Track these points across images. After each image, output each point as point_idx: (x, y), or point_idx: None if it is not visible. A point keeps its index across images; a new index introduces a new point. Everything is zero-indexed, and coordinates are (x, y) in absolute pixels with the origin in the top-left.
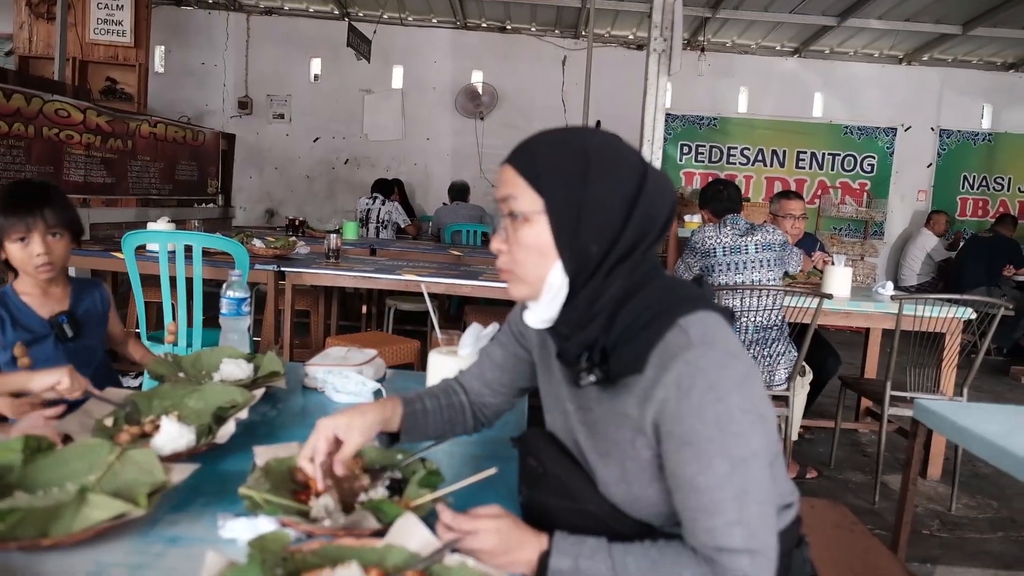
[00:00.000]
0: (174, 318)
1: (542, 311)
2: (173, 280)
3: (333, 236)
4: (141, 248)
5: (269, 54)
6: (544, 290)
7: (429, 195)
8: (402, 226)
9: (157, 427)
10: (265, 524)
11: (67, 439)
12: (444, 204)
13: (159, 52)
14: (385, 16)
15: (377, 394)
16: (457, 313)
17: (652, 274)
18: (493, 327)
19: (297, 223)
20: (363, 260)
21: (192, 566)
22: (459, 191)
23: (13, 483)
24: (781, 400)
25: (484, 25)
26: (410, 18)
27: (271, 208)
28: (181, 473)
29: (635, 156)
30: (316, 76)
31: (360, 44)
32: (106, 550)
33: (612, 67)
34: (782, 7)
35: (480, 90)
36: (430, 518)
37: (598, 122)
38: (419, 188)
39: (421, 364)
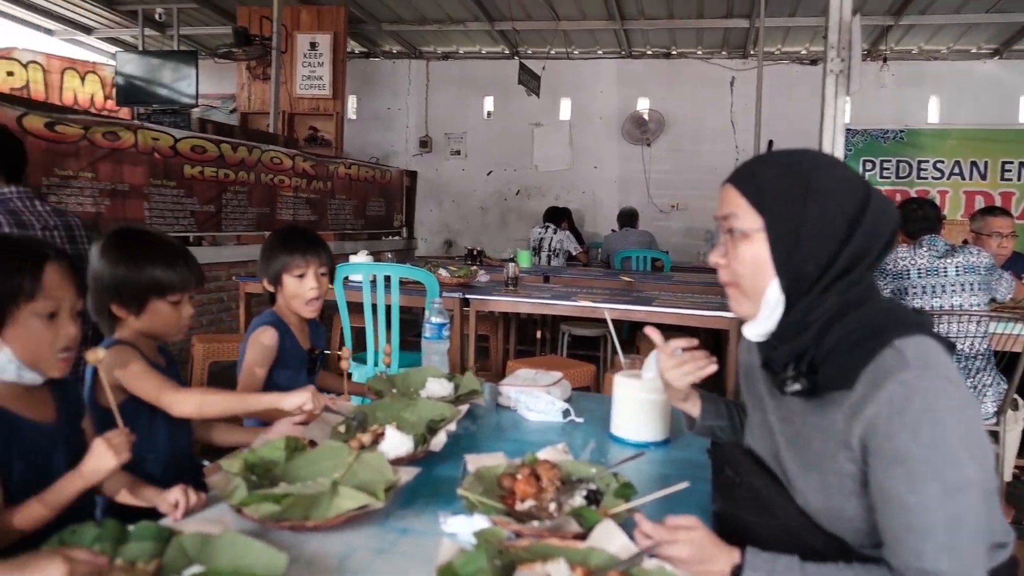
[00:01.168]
0: (376, 341)
1: (760, 326)
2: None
3: (511, 265)
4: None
5: (446, 96)
6: (762, 305)
7: (598, 222)
8: (573, 253)
9: (381, 435)
10: (480, 522)
11: (312, 443)
12: (613, 231)
13: (352, 101)
14: (552, 52)
15: (565, 413)
16: (629, 338)
17: (869, 294)
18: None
19: (475, 252)
20: (539, 287)
21: (422, 552)
22: (628, 217)
23: (278, 475)
24: (990, 436)
25: (649, 52)
26: (576, 52)
27: (449, 239)
28: (407, 475)
29: (857, 179)
30: (489, 113)
31: (530, 80)
32: (353, 535)
33: (784, 84)
34: (978, 7)
35: (646, 117)
36: (626, 525)
37: (770, 142)
38: (588, 215)
39: (597, 387)
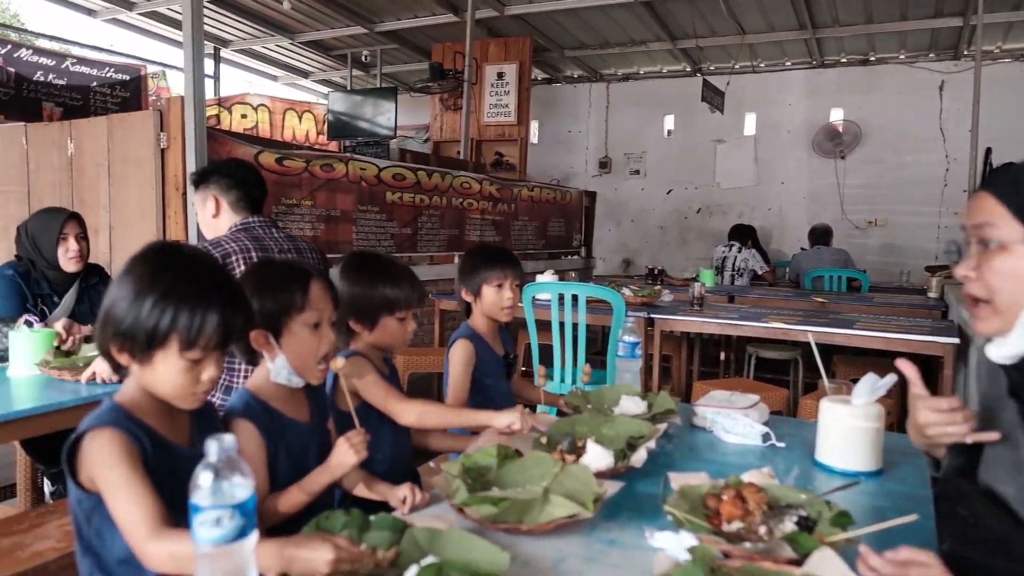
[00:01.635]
0: (563, 359)
1: (1012, 346)
2: (544, 322)
3: (697, 284)
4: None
5: (626, 116)
6: (1018, 324)
7: (784, 240)
8: (759, 272)
9: (582, 448)
10: (688, 539)
11: (518, 452)
12: (803, 249)
13: (534, 126)
14: (737, 66)
15: (765, 437)
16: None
17: None
18: (890, 378)
19: (656, 272)
20: (724, 307)
21: (630, 563)
22: (821, 235)
23: (491, 480)
24: None
25: (844, 60)
26: (762, 64)
27: (627, 258)
28: (612, 488)
29: None
30: (669, 132)
31: (714, 97)
32: (563, 542)
33: (1004, 85)
34: None
35: (840, 128)
36: (843, 555)
37: (988, 149)
38: (774, 233)
39: (790, 412)
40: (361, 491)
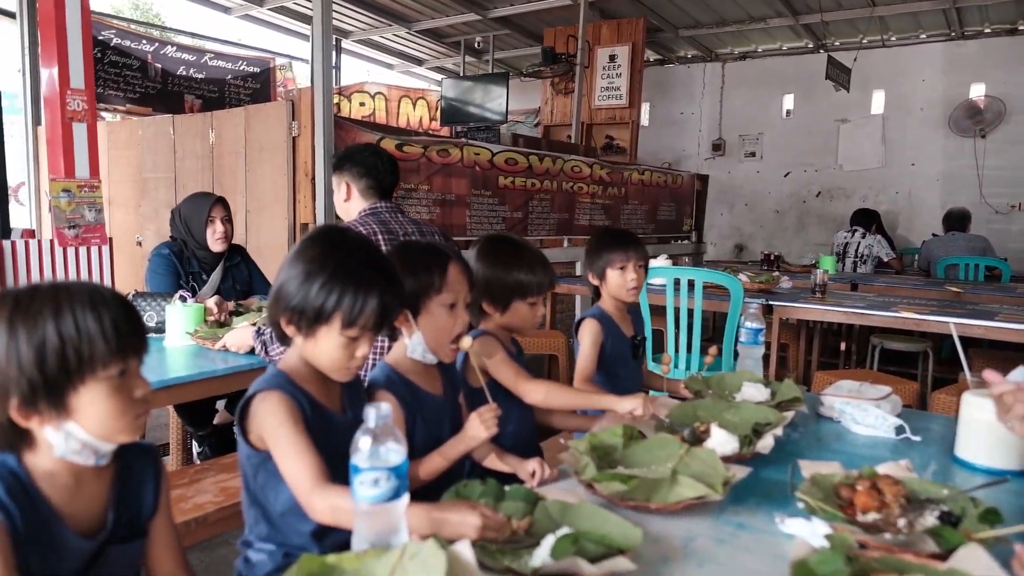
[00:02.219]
0: (677, 344)
1: None
2: (656, 308)
3: (819, 271)
4: None
5: (742, 96)
6: None
7: (913, 225)
8: (884, 260)
9: (705, 432)
10: (821, 527)
11: (641, 434)
12: (934, 235)
13: (646, 108)
14: (865, 41)
15: (899, 430)
16: (952, 356)
17: None
18: None
19: (772, 257)
20: (847, 295)
21: (760, 546)
22: (957, 220)
23: (617, 459)
24: None
25: (987, 30)
26: (894, 38)
27: (740, 243)
28: (741, 472)
29: None
30: (788, 112)
31: (839, 74)
32: (693, 523)
33: None
34: None
35: (982, 105)
36: (992, 553)
37: None
38: (901, 217)
39: (919, 406)
40: (491, 463)
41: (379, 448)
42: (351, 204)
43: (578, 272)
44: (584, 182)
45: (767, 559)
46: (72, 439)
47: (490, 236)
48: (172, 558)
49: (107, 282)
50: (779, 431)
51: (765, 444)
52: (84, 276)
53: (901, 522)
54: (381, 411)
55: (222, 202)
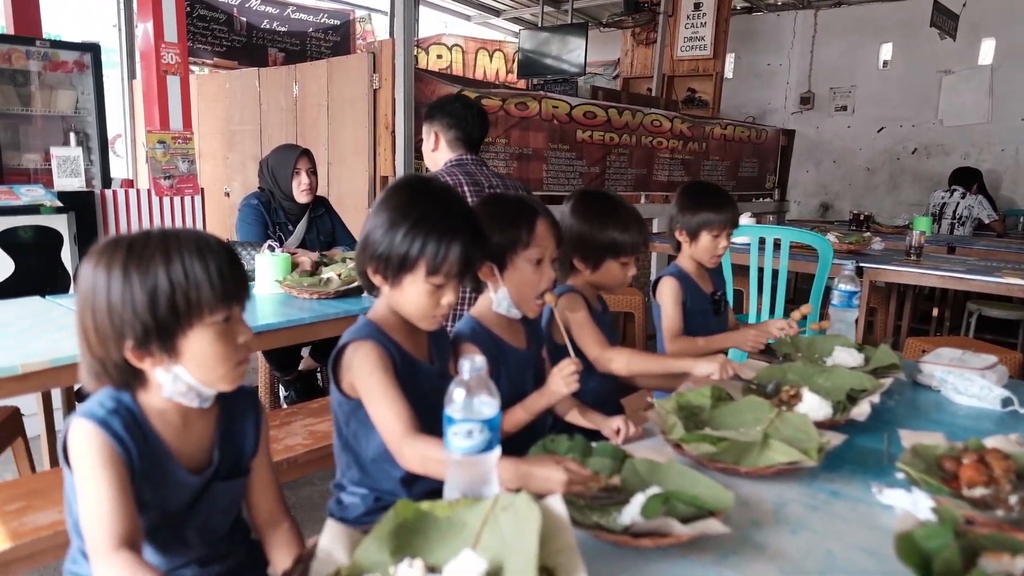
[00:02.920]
0: (759, 305)
1: None
2: (738, 267)
3: (915, 232)
4: None
5: (834, 47)
6: None
7: (1019, 186)
8: (985, 221)
9: (794, 396)
10: (923, 499)
11: (729, 396)
12: None
13: (730, 59)
14: None
15: (1006, 402)
16: None
17: None
18: None
19: (862, 217)
20: (946, 258)
21: (856, 517)
22: None
23: (704, 419)
24: None
25: None
26: None
27: (826, 202)
28: (836, 439)
29: None
30: (885, 63)
31: (945, 21)
32: (783, 487)
33: None
34: None
35: None
36: None
37: None
38: (1006, 177)
39: (1020, 377)
40: (573, 418)
41: (473, 400)
42: (438, 154)
43: (655, 229)
44: (664, 136)
45: (864, 529)
46: (179, 381)
47: (585, 190)
48: (271, 496)
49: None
50: (875, 398)
51: (861, 411)
52: (179, 224)
53: (1013, 499)
54: (475, 363)
55: (307, 154)
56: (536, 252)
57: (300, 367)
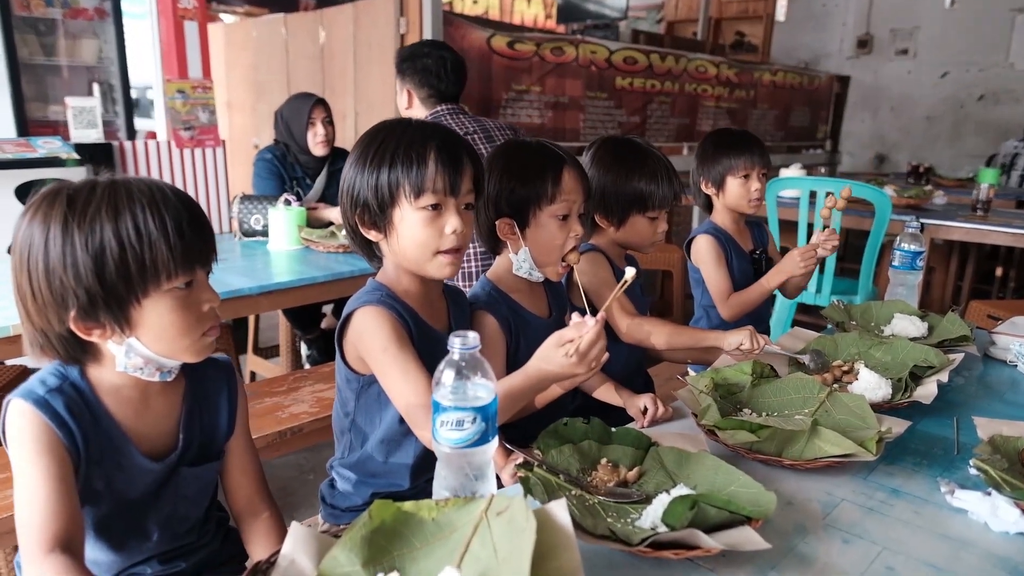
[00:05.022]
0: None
1: None
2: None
3: (984, 186)
4: None
5: None
6: None
7: None
8: None
9: (848, 372)
10: (1005, 505)
11: (773, 371)
12: None
13: (782, 0)
14: None
15: None
16: None
17: None
18: None
19: (921, 169)
20: (1017, 214)
21: (923, 520)
22: None
23: (743, 399)
24: None
25: None
26: None
27: (882, 153)
28: (898, 427)
29: None
30: (952, 1)
31: None
32: (833, 483)
33: None
34: None
35: None
36: None
37: None
38: None
39: None
40: (601, 395)
41: (465, 384)
42: (413, 111)
43: None
44: (709, 83)
45: (931, 538)
46: (133, 354)
47: (608, 138)
48: (250, 481)
49: (221, 184)
50: (944, 376)
51: (926, 392)
52: (200, 177)
53: None
54: (468, 340)
55: (322, 103)
56: (563, 207)
57: (322, 325)
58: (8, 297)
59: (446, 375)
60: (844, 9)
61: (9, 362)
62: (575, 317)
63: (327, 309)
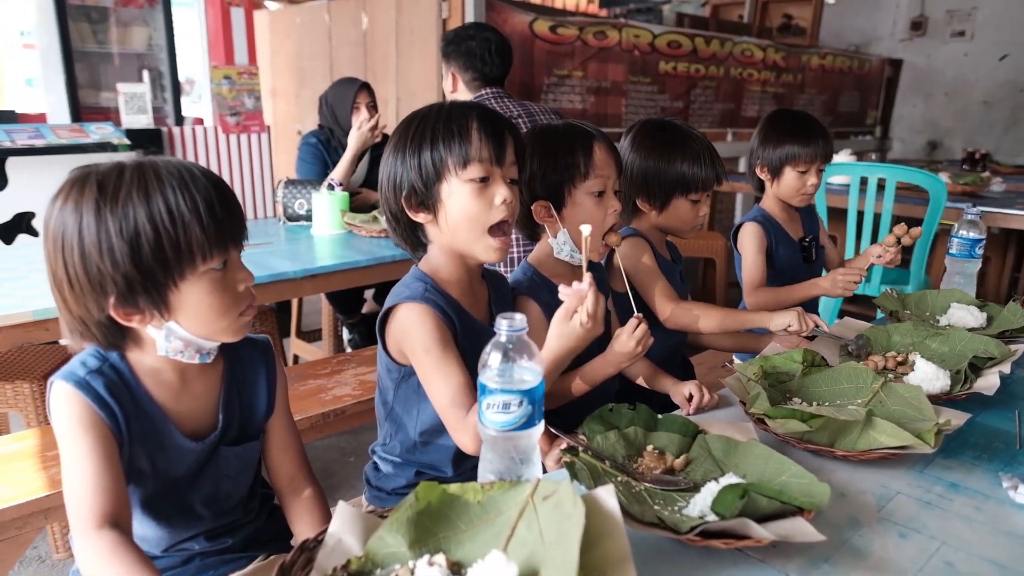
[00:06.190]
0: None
1: None
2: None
3: None
4: None
5: None
6: None
7: None
8: None
9: (900, 363)
10: None
11: (824, 361)
12: None
13: None
14: None
15: None
16: None
17: None
18: None
19: (977, 156)
20: None
21: (985, 517)
22: None
23: (793, 388)
24: None
25: None
26: None
27: (934, 139)
28: (958, 419)
29: None
30: None
31: None
32: (890, 475)
33: None
34: None
35: None
36: None
37: None
38: None
39: None
40: (645, 382)
41: (511, 367)
42: (458, 96)
43: (741, 168)
44: (755, 68)
45: (992, 534)
46: (173, 337)
47: (648, 121)
48: (292, 459)
49: (266, 170)
50: (1006, 367)
51: (988, 384)
52: (245, 163)
53: None
54: (515, 323)
55: (367, 88)
56: (597, 183)
57: (364, 310)
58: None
59: (493, 357)
60: None
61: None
62: (562, 289)
63: (368, 294)
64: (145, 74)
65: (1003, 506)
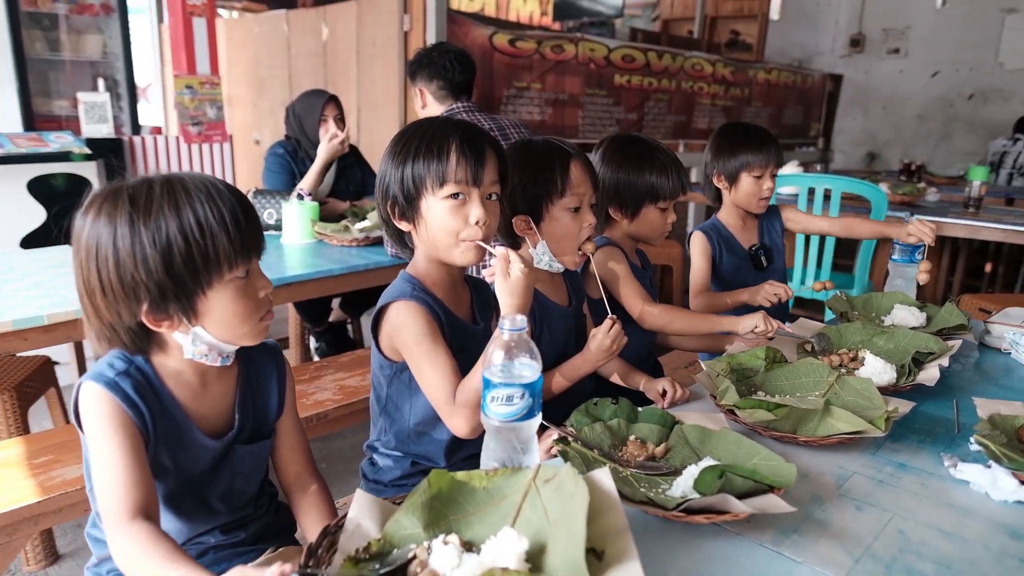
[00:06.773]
0: (806, 260)
1: None
2: None
3: (976, 183)
4: None
5: None
6: None
7: None
8: None
9: (852, 360)
10: (1003, 476)
11: (783, 358)
12: None
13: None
14: None
15: None
16: None
17: None
18: None
19: (913, 168)
20: (1007, 211)
21: (928, 491)
22: None
23: (757, 382)
24: None
25: None
26: None
27: (873, 151)
28: (904, 406)
29: None
30: (943, 1)
31: None
32: (844, 458)
33: None
34: None
35: None
36: None
37: None
38: None
39: None
40: (618, 379)
41: (513, 363)
42: (428, 111)
43: (694, 178)
44: (705, 81)
45: (937, 507)
46: (199, 342)
47: (617, 136)
48: (299, 457)
49: (229, 179)
50: (944, 361)
51: (929, 376)
52: (208, 172)
53: None
54: (516, 322)
55: (335, 100)
56: (573, 199)
57: (331, 319)
58: (39, 287)
59: (496, 354)
60: (837, 8)
61: (25, 353)
62: (487, 272)
63: (335, 303)
64: (100, 82)
65: (945, 482)
